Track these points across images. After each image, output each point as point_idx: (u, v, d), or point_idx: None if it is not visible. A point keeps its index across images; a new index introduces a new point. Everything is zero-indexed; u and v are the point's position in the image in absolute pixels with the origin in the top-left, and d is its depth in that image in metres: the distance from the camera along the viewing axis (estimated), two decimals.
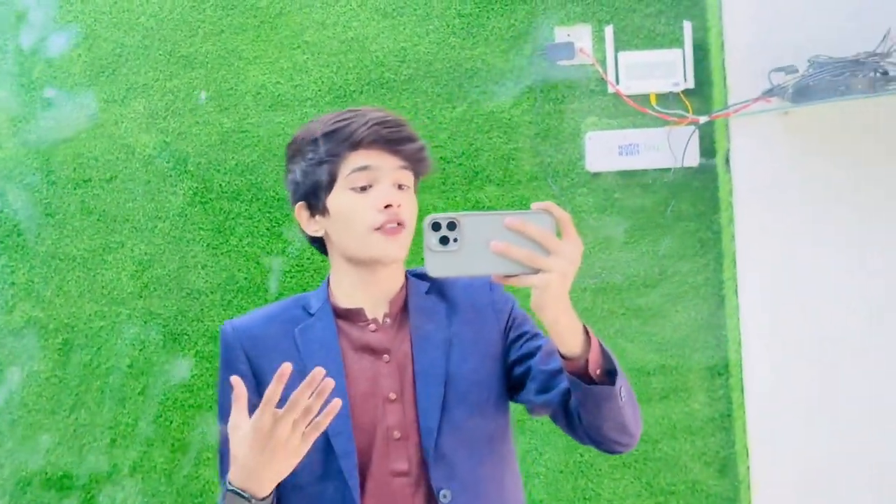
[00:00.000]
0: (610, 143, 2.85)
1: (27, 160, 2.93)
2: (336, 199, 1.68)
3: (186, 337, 2.93)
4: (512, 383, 1.72)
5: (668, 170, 2.85)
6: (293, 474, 1.57)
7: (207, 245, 2.92)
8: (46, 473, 2.91)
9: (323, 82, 2.91)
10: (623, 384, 1.51)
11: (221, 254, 2.92)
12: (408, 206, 1.68)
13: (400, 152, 1.67)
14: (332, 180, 1.68)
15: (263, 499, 1.49)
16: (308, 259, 2.90)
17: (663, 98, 2.83)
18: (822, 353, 2.77)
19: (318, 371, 1.43)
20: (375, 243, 1.65)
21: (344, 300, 1.71)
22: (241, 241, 2.91)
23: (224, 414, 1.59)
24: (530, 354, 1.69)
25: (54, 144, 2.92)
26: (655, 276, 2.87)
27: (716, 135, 2.85)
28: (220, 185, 2.92)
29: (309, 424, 1.45)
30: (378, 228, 1.64)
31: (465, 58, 2.90)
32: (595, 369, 1.49)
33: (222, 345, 1.73)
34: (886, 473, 2.77)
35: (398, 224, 1.65)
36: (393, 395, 1.67)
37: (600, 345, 1.50)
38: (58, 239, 2.93)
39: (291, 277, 2.90)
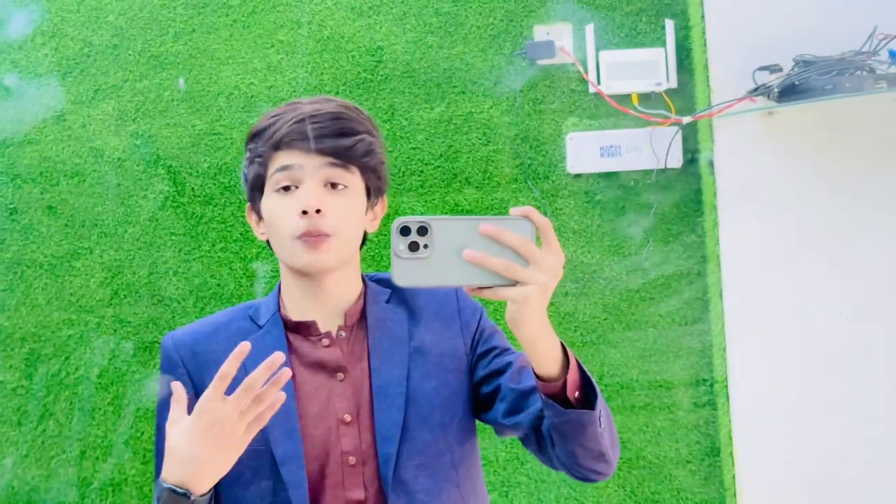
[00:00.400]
0: (591, 144, 2.82)
1: None
2: (266, 202, 1.58)
3: (158, 346, 2.86)
4: (479, 402, 1.62)
5: (650, 171, 2.82)
6: (244, 502, 1.51)
7: (180, 250, 2.86)
8: (13, 488, 2.84)
9: (298, 83, 2.86)
10: (603, 408, 1.42)
11: (194, 259, 2.86)
12: (337, 210, 1.54)
13: (325, 150, 1.54)
14: (261, 182, 1.58)
15: (202, 496, 1.38)
16: None
17: (645, 98, 2.80)
18: (809, 357, 2.76)
19: (278, 356, 1.35)
20: (297, 252, 1.53)
21: (294, 312, 1.60)
22: (214, 245, 2.86)
23: (160, 430, 1.51)
24: (500, 372, 1.59)
25: (20, 146, 2.86)
26: (638, 280, 2.84)
27: (699, 135, 2.83)
28: (193, 188, 2.86)
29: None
30: (301, 236, 1.52)
31: (443, 57, 2.86)
32: (574, 392, 1.39)
33: (162, 358, 1.62)
34: (872, 479, 2.75)
35: (319, 235, 1.52)
36: (348, 417, 1.56)
37: (579, 365, 1.40)
38: (24, 245, 2.86)
39: (266, 283, 2.84)
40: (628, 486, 2.82)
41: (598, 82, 2.79)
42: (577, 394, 1.39)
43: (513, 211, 1.29)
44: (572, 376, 1.38)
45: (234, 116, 2.86)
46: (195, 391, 1.54)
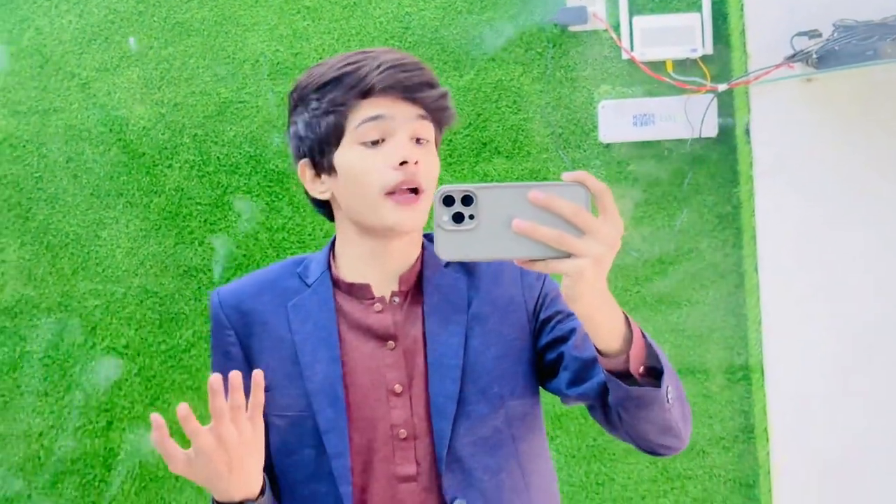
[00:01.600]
0: (624, 112, 2.79)
1: (17, 132, 2.87)
2: (344, 156, 1.48)
3: (184, 316, 2.87)
4: (543, 371, 1.54)
5: (684, 140, 2.78)
6: (287, 471, 1.48)
7: (205, 220, 2.86)
8: (39, 459, 2.86)
9: (324, 49, 2.84)
10: (671, 384, 1.33)
11: (220, 229, 2.85)
12: (427, 165, 1.48)
13: (418, 100, 1.47)
14: (339, 134, 1.48)
15: (257, 498, 1.37)
16: (309, 234, 2.83)
17: (680, 65, 2.76)
18: (846, 332, 2.73)
19: (214, 379, 1.32)
20: (387, 211, 1.45)
21: (348, 272, 1.53)
22: (239, 215, 2.85)
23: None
24: (563, 339, 1.50)
25: (45, 114, 2.87)
26: (671, 252, 2.81)
27: (735, 103, 2.79)
28: (218, 157, 2.86)
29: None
30: (391, 193, 1.45)
31: (472, 23, 2.83)
32: (637, 368, 1.31)
33: (212, 318, 1.58)
34: None
35: (414, 191, 1.46)
36: (398, 388, 1.49)
37: (645, 339, 1.31)
38: (49, 213, 2.87)
39: (293, 254, 2.82)
40: (660, 462, 2.79)
41: (632, 49, 2.76)
42: (641, 369, 1.31)
43: (565, 176, 1.19)
44: (636, 351, 1.30)
45: (259, 84, 2.84)
46: (243, 352, 1.53)
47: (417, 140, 1.48)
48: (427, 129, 1.49)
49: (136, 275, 2.87)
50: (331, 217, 1.57)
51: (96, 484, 2.86)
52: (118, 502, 2.86)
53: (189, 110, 2.86)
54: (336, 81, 1.48)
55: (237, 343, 1.54)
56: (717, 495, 2.79)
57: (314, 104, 1.49)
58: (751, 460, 2.79)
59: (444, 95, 1.50)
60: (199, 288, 2.86)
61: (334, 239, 1.57)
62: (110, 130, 2.87)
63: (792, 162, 2.73)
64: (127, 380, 2.86)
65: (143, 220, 2.87)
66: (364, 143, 1.46)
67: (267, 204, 2.85)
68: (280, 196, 2.84)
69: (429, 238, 1.56)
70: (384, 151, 1.46)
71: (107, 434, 2.87)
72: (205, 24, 2.86)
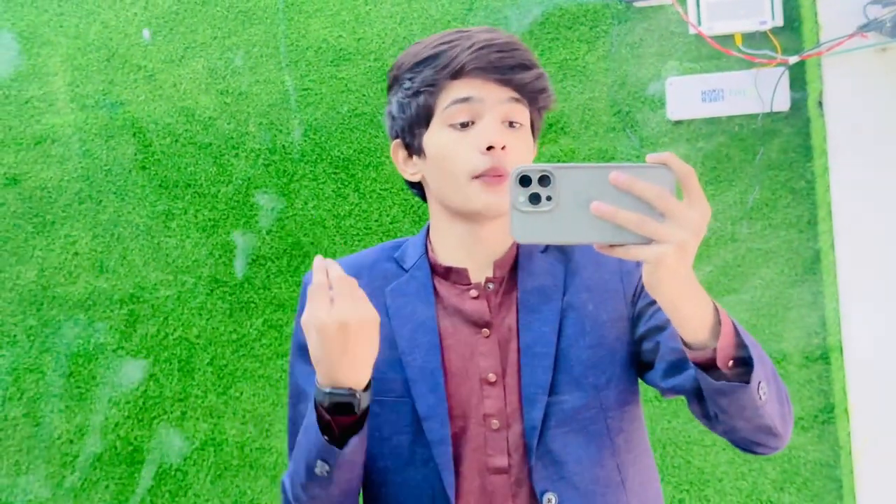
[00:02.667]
0: (693, 88, 2.75)
1: (86, 126, 2.92)
2: (433, 138, 1.46)
3: (253, 305, 2.89)
4: (641, 361, 1.47)
5: (755, 116, 2.74)
6: (380, 457, 1.44)
7: (272, 209, 2.88)
8: (116, 449, 2.91)
9: (387, 34, 2.84)
10: (763, 378, 1.26)
11: (287, 217, 2.87)
12: (518, 150, 1.43)
13: (510, 81, 1.43)
14: (428, 115, 1.46)
15: (365, 389, 1.32)
16: (375, 220, 2.83)
17: (749, 38, 2.71)
18: None
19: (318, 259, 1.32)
20: (474, 194, 1.42)
21: (444, 256, 1.50)
22: (306, 203, 2.87)
23: (292, 373, 1.50)
24: (660, 328, 1.43)
25: (112, 108, 2.91)
26: (744, 230, 2.77)
27: (807, 76, 2.73)
28: (284, 145, 2.87)
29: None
30: (478, 176, 1.42)
31: (536, 2, 2.82)
32: (726, 361, 1.24)
33: (302, 296, 1.52)
34: None
35: (502, 174, 1.41)
36: (492, 377, 1.44)
37: (735, 330, 1.25)
38: (119, 206, 2.91)
39: (359, 241, 2.84)
40: None
41: (699, 23, 2.71)
42: (730, 363, 1.25)
43: (650, 157, 1.14)
44: (725, 343, 1.23)
45: (322, 71, 2.85)
46: None
47: (511, 123, 1.44)
48: (520, 113, 1.45)
49: (206, 265, 2.90)
50: (423, 198, 1.55)
51: (172, 473, 2.90)
52: (197, 487, 2.89)
53: (254, 99, 2.88)
54: (428, 61, 1.45)
55: None
56: (798, 477, 2.75)
57: (407, 84, 1.47)
58: (831, 441, 2.74)
59: (539, 77, 1.46)
60: (268, 277, 2.88)
61: (429, 224, 1.55)
62: (177, 122, 2.90)
63: (867, 134, 2.67)
64: (199, 369, 2.89)
65: (212, 209, 2.89)
66: (453, 126, 1.44)
67: (333, 191, 2.86)
68: (346, 183, 2.85)
69: None
70: (472, 135, 1.43)
71: (181, 424, 2.90)
72: (267, 12, 2.88)
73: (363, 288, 1.38)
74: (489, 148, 1.41)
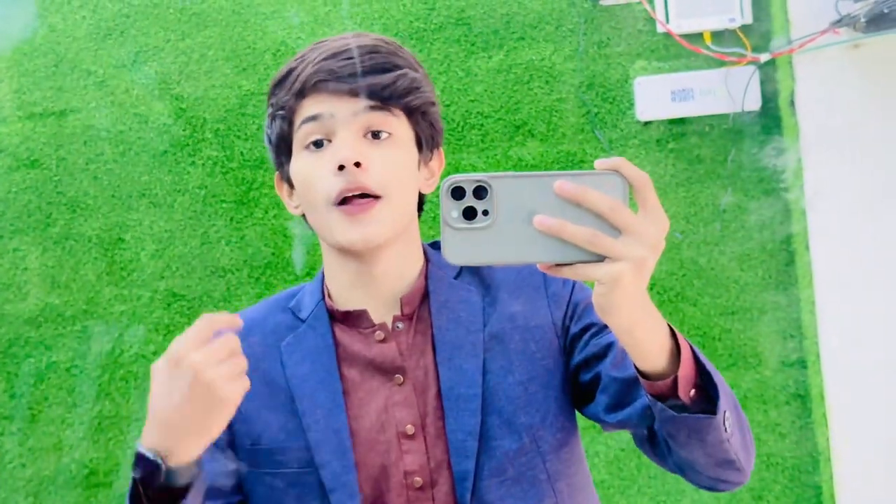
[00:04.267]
0: (661, 88, 2.73)
1: (34, 134, 2.85)
2: (294, 165, 1.32)
3: None
4: (578, 394, 1.36)
5: (726, 115, 2.73)
6: None
7: (231, 219, 2.83)
8: (71, 472, 2.83)
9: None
10: (728, 408, 1.15)
11: (246, 227, 2.82)
12: (383, 162, 1.29)
13: (361, 90, 1.28)
14: (288, 141, 1.32)
15: (178, 466, 1.13)
16: None
17: (719, 36, 2.70)
18: None
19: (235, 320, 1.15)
20: (336, 225, 1.27)
21: (341, 300, 1.36)
22: (266, 212, 2.82)
23: None
24: (599, 356, 1.32)
25: (61, 115, 2.84)
26: (717, 232, 2.74)
27: (779, 74, 2.72)
28: (242, 152, 2.83)
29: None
30: (339, 203, 1.27)
31: (500, 2, 2.79)
32: (687, 391, 1.13)
33: None
34: None
35: (363, 195, 1.27)
36: (411, 430, 1.31)
37: (695, 357, 1.13)
38: (71, 219, 2.85)
39: (307, 249, 2.79)
40: None
41: (667, 21, 2.70)
42: (692, 392, 1.13)
43: (599, 164, 1.02)
44: (686, 371, 1.12)
45: None
46: None
47: (375, 134, 1.30)
48: (385, 121, 1.31)
49: (163, 278, 2.84)
50: None
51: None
52: None
53: (210, 104, 2.83)
54: (282, 82, 1.33)
55: None
56: (776, 484, 2.72)
57: (269, 109, 1.36)
58: (809, 447, 2.72)
59: (399, 78, 1.31)
60: (228, 289, 2.82)
61: (322, 267, 1.42)
62: (129, 129, 2.85)
63: (841, 133, 2.67)
64: None
65: (168, 220, 2.83)
66: (308, 147, 1.30)
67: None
68: None
69: (434, 247, 1.41)
70: (327, 153, 1.29)
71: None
72: (222, 13, 2.83)
73: (255, 346, 1.28)
74: (340, 168, 1.26)
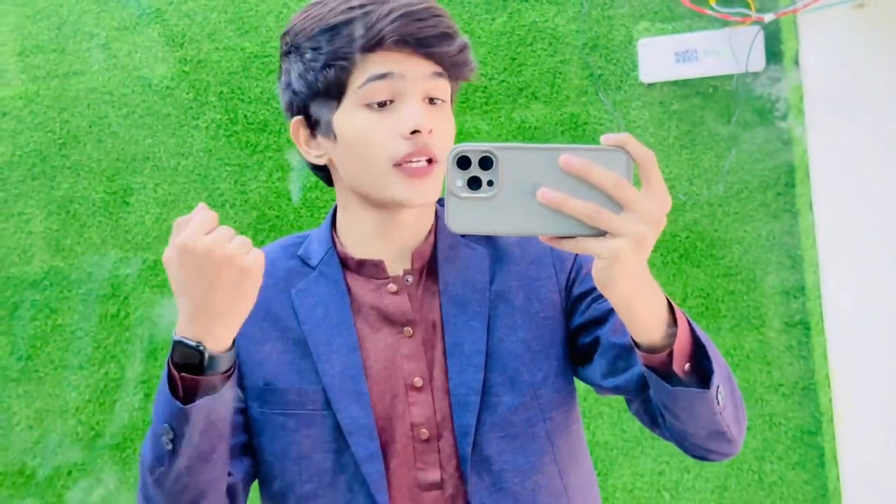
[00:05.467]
0: (665, 49, 2.72)
1: (38, 98, 2.85)
2: (345, 118, 1.31)
3: None
4: (577, 356, 1.38)
5: (730, 76, 2.72)
6: (299, 480, 1.32)
7: (235, 182, 2.83)
8: (77, 434, 2.85)
9: None
10: (722, 382, 1.18)
11: (250, 190, 2.82)
12: (442, 132, 1.31)
13: (433, 54, 1.29)
14: (340, 92, 1.30)
15: (219, 352, 1.17)
16: None
17: None
18: None
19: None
20: (395, 183, 1.30)
21: (355, 248, 1.38)
22: (270, 175, 2.82)
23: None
24: (599, 320, 1.34)
25: (65, 77, 2.84)
26: (721, 193, 2.73)
27: (783, 34, 2.71)
28: (245, 115, 2.82)
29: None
30: (399, 164, 1.29)
31: None
32: (682, 364, 1.15)
33: None
34: None
35: (428, 161, 1.30)
36: (419, 382, 1.34)
37: (692, 331, 1.16)
38: (75, 182, 2.85)
39: (325, 213, 2.78)
40: None
41: None
42: (687, 366, 1.16)
43: (604, 139, 1.03)
44: (681, 345, 1.14)
45: None
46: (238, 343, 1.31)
47: (431, 101, 1.32)
48: (443, 89, 1.33)
49: (167, 241, 2.83)
50: (329, 182, 1.43)
51: (135, 458, 2.84)
52: None
53: (213, 67, 2.82)
54: (338, 29, 1.29)
55: None
56: (779, 444, 2.73)
57: (310, 54, 1.32)
58: (812, 408, 2.73)
59: (463, 48, 1.33)
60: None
61: (335, 211, 1.42)
62: (133, 92, 2.84)
63: (846, 93, 2.65)
64: (163, 349, 2.84)
65: (172, 183, 2.84)
66: (370, 105, 1.30)
67: (298, 161, 2.80)
68: None
69: (442, 205, 1.41)
70: (394, 116, 1.29)
71: (144, 407, 2.85)
72: None
73: (265, 290, 1.24)
74: (414, 132, 1.29)
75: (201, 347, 1.16)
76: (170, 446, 1.19)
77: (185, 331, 1.17)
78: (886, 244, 2.67)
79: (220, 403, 1.20)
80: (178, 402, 1.17)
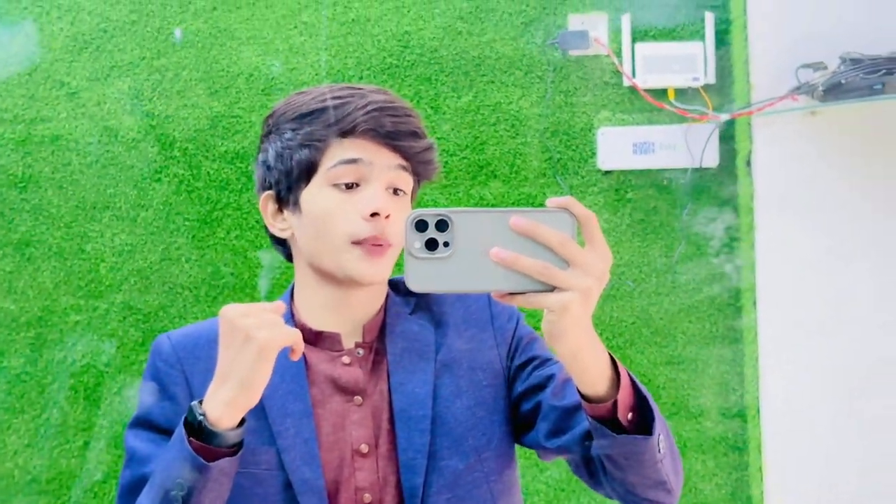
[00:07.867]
0: (624, 139, 2.79)
1: (1, 140, 2.85)
2: (312, 196, 1.41)
3: None
4: (519, 422, 1.46)
5: (685, 170, 2.79)
6: None
7: (193, 237, 2.85)
8: (13, 478, 2.83)
9: (320, 66, 2.84)
10: (662, 431, 1.25)
11: (207, 247, 2.84)
12: (399, 220, 1.39)
13: (401, 148, 1.40)
14: (311, 170, 1.40)
15: (224, 431, 1.24)
16: None
17: (682, 93, 2.78)
18: (847, 369, 2.72)
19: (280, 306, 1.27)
20: (352, 261, 1.38)
21: (312, 320, 1.45)
22: (228, 233, 2.84)
23: (131, 453, 1.39)
24: (540, 386, 1.43)
25: (31, 123, 2.85)
26: (668, 283, 2.80)
27: (737, 134, 2.80)
28: (209, 172, 2.85)
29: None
30: (359, 242, 1.38)
31: (473, 45, 2.84)
32: (626, 414, 1.22)
33: (153, 359, 1.44)
34: None
35: (383, 243, 1.38)
36: (365, 448, 1.40)
37: (633, 382, 1.23)
38: (33, 226, 2.85)
39: (281, 274, 2.82)
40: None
41: (633, 75, 2.77)
42: (630, 416, 1.23)
43: (550, 202, 1.12)
44: (624, 396, 1.21)
45: (253, 100, 2.84)
46: (190, 395, 1.40)
47: (394, 191, 1.42)
48: (405, 181, 1.43)
49: (120, 290, 2.85)
50: (289, 257, 1.51)
51: None
52: None
53: (180, 123, 2.85)
54: (316, 114, 1.41)
55: (185, 383, 1.42)
56: None
57: (289, 134, 1.43)
58: (744, 498, 2.78)
59: (429, 147, 1.45)
60: (185, 306, 2.84)
61: (293, 286, 1.50)
62: (98, 141, 2.86)
63: (794, 195, 2.73)
64: (106, 399, 2.84)
65: (129, 234, 2.85)
66: (337, 185, 1.40)
67: (257, 221, 2.84)
68: None
69: (391, 285, 1.51)
70: (357, 198, 1.39)
71: (83, 454, 2.84)
72: (199, 35, 2.86)
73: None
74: (374, 214, 1.38)
75: (200, 418, 1.23)
76: (180, 499, 1.25)
77: (207, 399, 1.24)
78: (828, 342, 2.72)
79: (232, 469, 1.27)
80: (200, 457, 1.23)
